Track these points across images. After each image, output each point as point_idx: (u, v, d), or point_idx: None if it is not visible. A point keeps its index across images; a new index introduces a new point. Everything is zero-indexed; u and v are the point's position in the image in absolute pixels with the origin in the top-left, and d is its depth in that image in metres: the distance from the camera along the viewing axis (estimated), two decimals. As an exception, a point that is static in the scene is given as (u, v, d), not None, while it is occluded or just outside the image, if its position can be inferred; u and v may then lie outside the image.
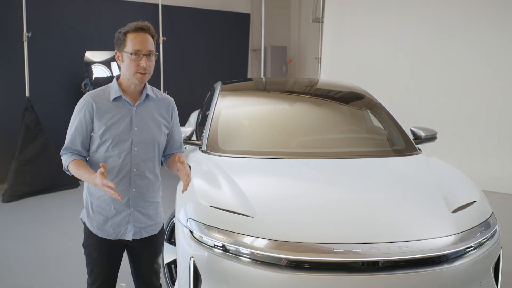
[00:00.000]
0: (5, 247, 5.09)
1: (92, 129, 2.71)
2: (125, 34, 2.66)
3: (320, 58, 10.17)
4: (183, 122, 6.74)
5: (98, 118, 2.69)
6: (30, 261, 4.75)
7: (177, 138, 3.00)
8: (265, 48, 11.14)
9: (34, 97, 6.97)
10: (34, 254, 4.90)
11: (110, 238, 2.80)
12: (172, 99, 2.96)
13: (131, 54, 2.63)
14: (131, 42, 2.63)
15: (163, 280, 3.82)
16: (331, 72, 9.25)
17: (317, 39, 10.79)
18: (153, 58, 2.70)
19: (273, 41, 11.76)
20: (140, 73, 2.66)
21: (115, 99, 2.72)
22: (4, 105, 7.22)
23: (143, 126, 2.76)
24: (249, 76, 11.66)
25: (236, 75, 10.82)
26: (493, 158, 7.45)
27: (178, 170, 2.74)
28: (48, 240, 5.28)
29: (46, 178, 6.88)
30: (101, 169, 2.49)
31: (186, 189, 2.69)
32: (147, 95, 2.79)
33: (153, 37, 2.71)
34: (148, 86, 2.81)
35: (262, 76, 11.32)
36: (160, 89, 9.00)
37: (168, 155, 3.00)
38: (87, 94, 2.75)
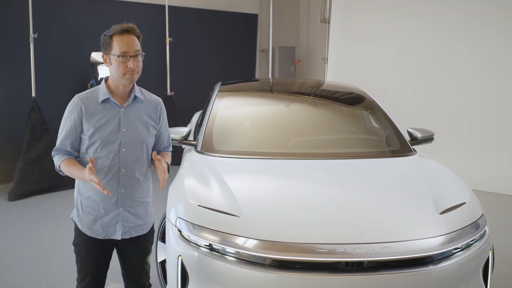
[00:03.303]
0: (10, 245, 5.17)
1: (82, 131, 2.77)
2: (111, 37, 2.70)
3: (327, 58, 10.17)
4: (187, 123, 6.80)
5: (87, 120, 2.74)
6: (34, 259, 4.83)
7: (165, 138, 3.06)
8: (273, 48, 11.13)
9: (40, 98, 7.08)
10: (38, 252, 4.98)
11: (100, 238, 2.85)
12: (160, 99, 3.02)
13: (118, 56, 2.67)
14: (117, 45, 2.68)
15: (157, 279, 3.87)
16: (337, 72, 9.25)
17: (325, 39, 10.78)
18: (140, 58, 2.74)
19: (281, 42, 11.77)
20: (130, 73, 2.71)
21: (104, 101, 2.77)
22: (11, 105, 7.32)
23: (131, 128, 2.81)
24: (257, 76, 11.68)
25: (244, 76, 10.84)
26: (494, 159, 7.41)
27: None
28: (53, 238, 5.35)
29: (51, 177, 6.92)
30: (89, 165, 2.57)
31: (163, 187, 2.74)
32: (135, 96, 2.84)
33: (138, 37, 2.76)
34: (136, 87, 2.86)
35: (270, 76, 11.34)
36: (166, 90, 9.09)
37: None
38: (76, 96, 2.81)
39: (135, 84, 2.85)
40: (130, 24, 2.73)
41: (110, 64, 2.73)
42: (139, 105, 2.86)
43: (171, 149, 3.15)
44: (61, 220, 5.92)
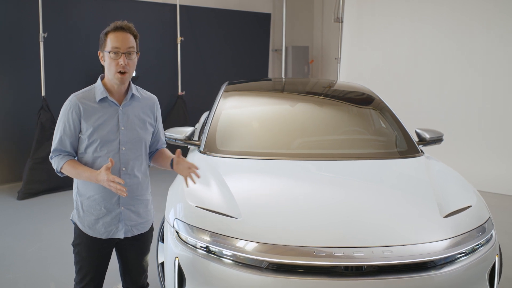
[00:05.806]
0: (16, 244, 5.17)
1: (80, 130, 2.74)
2: (106, 34, 2.70)
3: (340, 58, 10.08)
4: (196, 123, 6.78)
5: (86, 120, 2.72)
6: (39, 258, 4.82)
7: (161, 135, 3.07)
8: (286, 48, 11.06)
9: (50, 97, 7.09)
10: (43, 252, 4.97)
11: (102, 237, 2.83)
12: (155, 97, 3.01)
13: (109, 52, 2.65)
14: (111, 41, 2.67)
15: (157, 279, 3.84)
16: (350, 72, 9.17)
17: (339, 39, 10.67)
18: (133, 56, 2.71)
19: (295, 41, 11.68)
20: (120, 72, 2.68)
21: (101, 100, 2.74)
22: (21, 105, 7.36)
23: (129, 126, 2.79)
24: (269, 76, 11.61)
25: (256, 76, 10.79)
26: (506, 160, 7.28)
27: (173, 164, 2.86)
28: (60, 237, 5.33)
29: (60, 176, 6.97)
30: (108, 164, 2.56)
31: (194, 182, 2.81)
32: (132, 94, 2.82)
33: (135, 36, 2.73)
34: (132, 85, 2.85)
35: (283, 76, 11.27)
36: (177, 90, 9.07)
37: (153, 152, 3.06)
38: (72, 95, 2.77)
39: (131, 82, 2.83)
40: (126, 22, 2.71)
41: (104, 61, 2.71)
42: (136, 104, 2.84)
43: (165, 144, 3.15)
44: (68, 219, 5.88)
